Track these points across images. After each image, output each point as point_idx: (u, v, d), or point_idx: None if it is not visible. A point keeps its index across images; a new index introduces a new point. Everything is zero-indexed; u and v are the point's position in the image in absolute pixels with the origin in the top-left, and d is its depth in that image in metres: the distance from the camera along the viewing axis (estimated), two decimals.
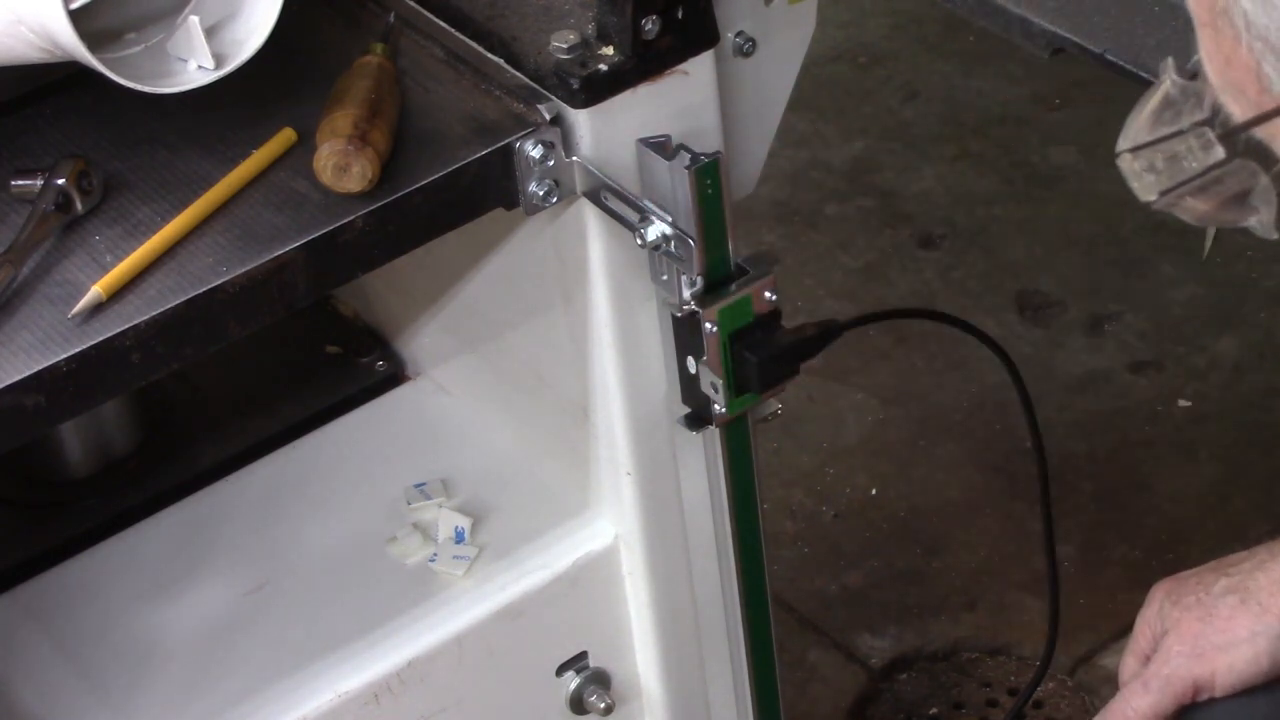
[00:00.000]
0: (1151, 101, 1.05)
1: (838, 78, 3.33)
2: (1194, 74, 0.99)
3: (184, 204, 1.38)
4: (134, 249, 1.34)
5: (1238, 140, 0.99)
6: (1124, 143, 1.05)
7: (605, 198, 1.44)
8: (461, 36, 1.49)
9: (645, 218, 1.43)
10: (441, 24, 1.50)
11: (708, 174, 1.41)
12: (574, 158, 1.43)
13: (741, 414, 1.52)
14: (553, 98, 1.43)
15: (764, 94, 1.57)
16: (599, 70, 1.42)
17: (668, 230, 1.42)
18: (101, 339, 1.30)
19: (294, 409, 1.78)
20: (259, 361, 1.81)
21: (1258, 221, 1.08)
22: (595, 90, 1.42)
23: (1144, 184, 1.05)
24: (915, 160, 3.18)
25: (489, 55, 1.47)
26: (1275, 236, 1.10)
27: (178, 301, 1.32)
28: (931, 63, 3.36)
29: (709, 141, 1.48)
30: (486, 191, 1.42)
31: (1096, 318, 2.88)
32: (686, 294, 1.45)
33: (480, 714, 1.64)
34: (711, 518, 1.58)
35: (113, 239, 1.37)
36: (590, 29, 1.43)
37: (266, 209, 1.38)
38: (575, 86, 1.42)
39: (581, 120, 1.43)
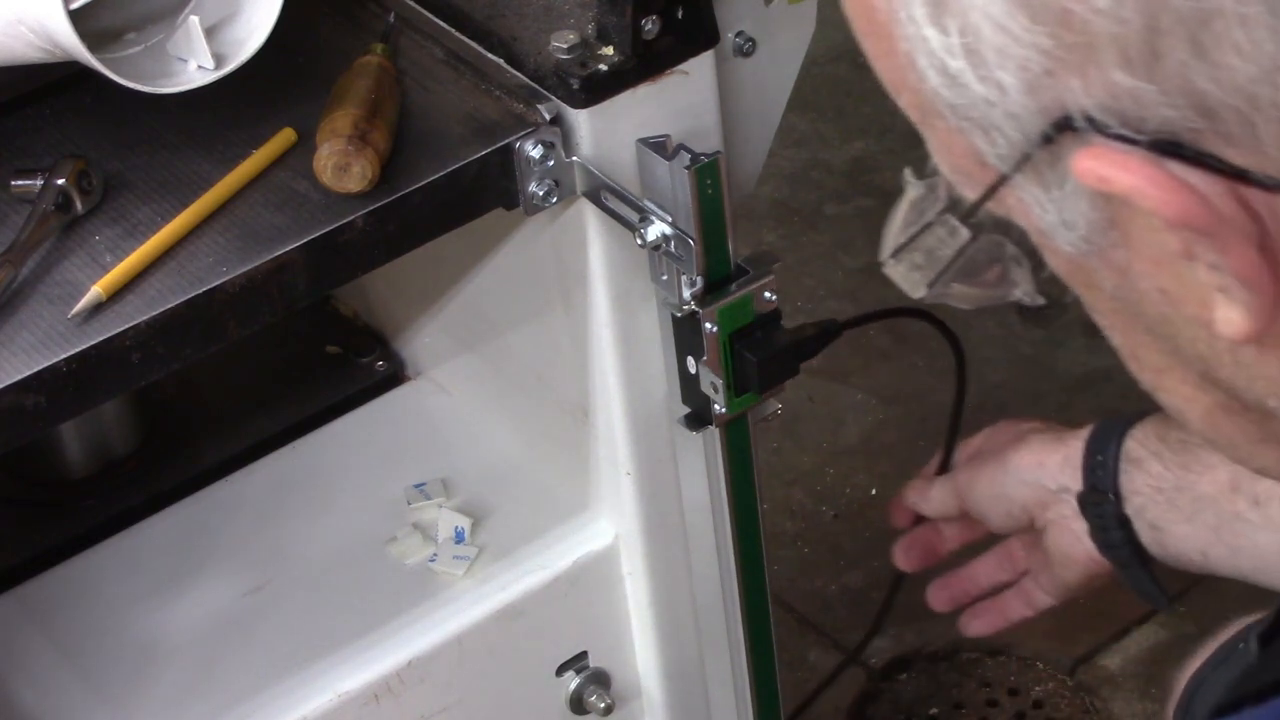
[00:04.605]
0: (901, 210, 1.10)
1: (838, 78, 3.33)
2: (933, 173, 1.04)
3: (184, 204, 1.37)
4: (134, 249, 1.34)
5: (979, 221, 1.04)
6: (884, 252, 1.10)
7: (605, 198, 1.44)
8: (461, 36, 1.49)
9: (645, 218, 1.43)
10: (441, 24, 1.50)
11: (708, 174, 1.41)
12: (574, 158, 1.43)
13: (741, 414, 1.52)
14: (553, 98, 1.43)
15: (764, 94, 1.57)
16: (599, 70, 1.42)
17: (668, 230, 1.42)
18: (101, 339, 1.30)
19: (294, 409, 1.78)
20: (259, 361, 1.81)
21: (1023, 293, 1.13)
22: (595, 90, 1.42)
23: (912, 282, 1.10)
24: (915, 160, 3.17)
25: (489, 55, 1.47)
26: (1042, 302, 1.15)
27: (178, 301, 1.32)
28: None
29: (709, 141, 1.48)
30: (486, 191, 1.42)
31: None
32: (686, 294, 1.45)
33: (480, 714, 1.64)
34: (711, 518, 1.58)
35: (113, 239, 1.36)
36: (590, 29, 1.43)
37: (266, 209, 1.38)
38: (575, 86, 1.42)
39: (581, 120, 1.43)
